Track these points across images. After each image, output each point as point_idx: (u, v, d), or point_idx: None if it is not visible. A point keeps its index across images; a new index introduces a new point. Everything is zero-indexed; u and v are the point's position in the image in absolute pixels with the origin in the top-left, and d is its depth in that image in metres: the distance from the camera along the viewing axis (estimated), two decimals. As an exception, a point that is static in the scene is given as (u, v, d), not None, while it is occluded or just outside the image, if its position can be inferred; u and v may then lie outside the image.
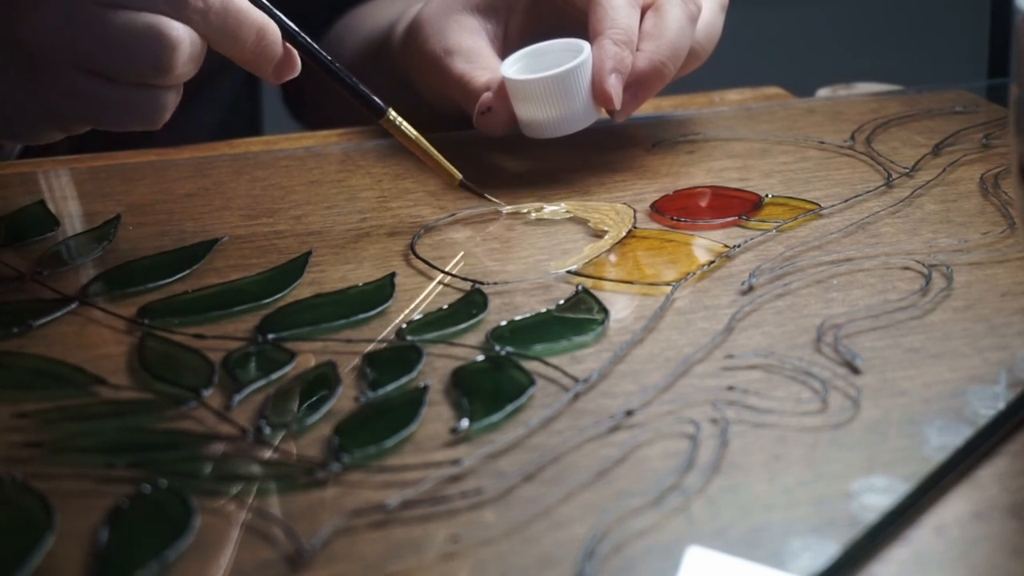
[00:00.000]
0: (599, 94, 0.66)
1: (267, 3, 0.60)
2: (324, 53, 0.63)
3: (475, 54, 0.71)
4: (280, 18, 0.61)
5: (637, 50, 0.67)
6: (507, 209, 0.65)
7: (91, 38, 0.56)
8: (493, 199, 0.65)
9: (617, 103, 0.66)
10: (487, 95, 0.68)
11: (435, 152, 0.65)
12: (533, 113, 0.67)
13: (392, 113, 0.64)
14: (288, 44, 0.61)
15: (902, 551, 0.40)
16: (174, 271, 0.59)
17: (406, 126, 0.65)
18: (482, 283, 0.57)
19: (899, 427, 0.46)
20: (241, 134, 0.81)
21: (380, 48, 0.81)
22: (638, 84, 0.67)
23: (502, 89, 0.68)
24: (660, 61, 0.67)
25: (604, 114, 0.69)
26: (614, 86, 0.66)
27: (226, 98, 0.97)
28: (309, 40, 0.63)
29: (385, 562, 0.40)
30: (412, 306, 0.56)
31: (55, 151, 0.77)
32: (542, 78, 0.66)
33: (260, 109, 1.03)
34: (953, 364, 0.50)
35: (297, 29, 0.62)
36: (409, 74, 0.76)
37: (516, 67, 0.68)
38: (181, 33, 0.56)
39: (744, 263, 0.59)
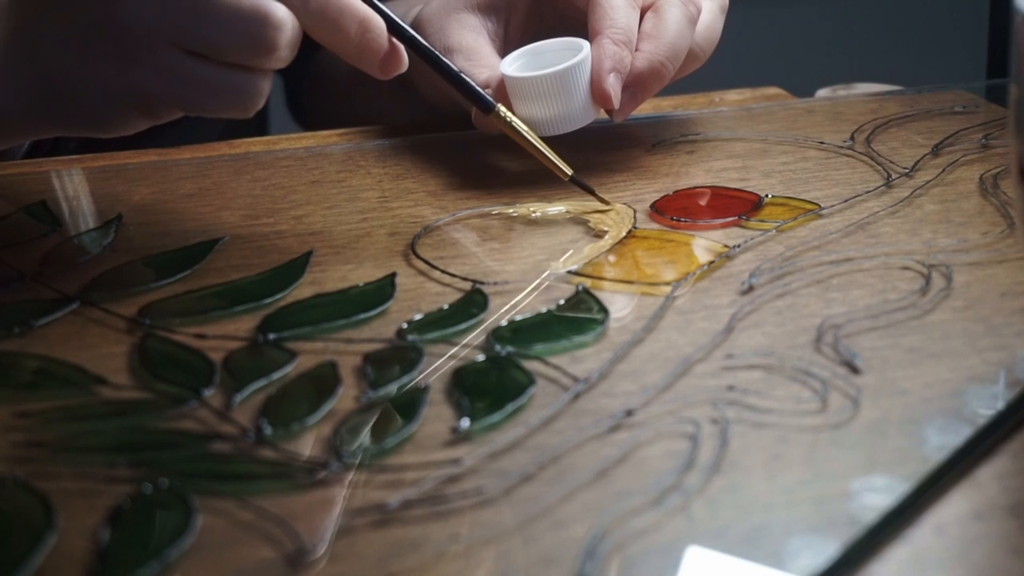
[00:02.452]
0: (598, 93, 0.67)
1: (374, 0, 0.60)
2: (431, 47, 0.64)
3: (475, 52, 0.71)
4: (385, 11, 0.61)
5: (636, 50, 0.68)
6: (613, 219, 0.64)
7: (194, 15, 0.55)
8: (603, 197, 0.65)
9: (616, 103, 0.67)
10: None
11: (545, 147, 0.65)
12: (531, 111, 0.67)
13: (502, 108, 0.65)
14: (393, 39, 0.61)
15: (902, 551, 0.40)
16: (174, 271, 0.59)
17: (516, 121, 0.65)
18: (482, 283, 0.58)
19: (899, 427, 0.46)
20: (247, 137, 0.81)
21: None
22: (637, 84, 0.67)
23: (501, 87, 0.68)
24: (659, 62, 0.67)
25: (603, 114, 0.69)
26: (613, 86, 0.66)
27: None
28: (415, 34, 0.63)
29: (385, 562, 0.40)
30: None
31: (59, 152, 0.77)
32: (541, 76, 0.66)
33: (267, 114, 1.04)
34: (953, 364, 0.50)
35: (402, 23, 0.62)
36: (410, 73, 0.76)
37: (516, 65, 0.68)
38: (284, 15, 0.56)
39: (744, 263, 0.59)
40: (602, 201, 0.65)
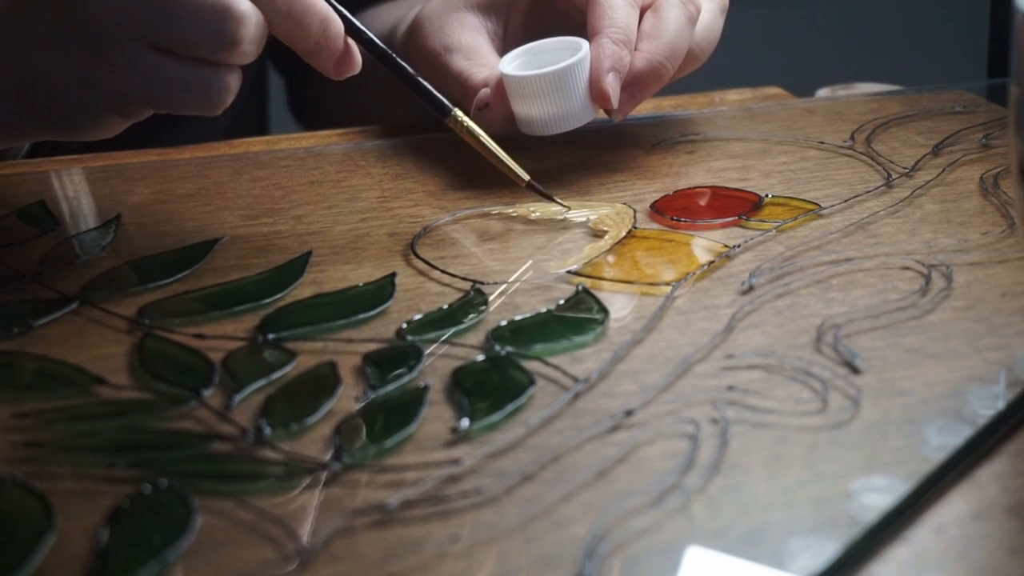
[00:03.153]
0: (596, 92, 0.67)
1: (332, 1, 0.60)
2: (387, 49, 0.64)
3: (474, 51, 0.71)
4: (343, 13, 0.61)
5: (635, 50, 0.68)
6: (571, 213, 0.64)
7: (158, 11, 0.56)
8: (560, 201, 0.64)
9: (614, 102, 0.67)
10: (485, 91, 0.69)
11: (502, 152, 0.65)
12: (530, 110, 0.67)
13: (458, 112, 0.65)
14: (349, 40, 0.61)
15: (902, 551, 0.40)
16: (174, 271, 0.59)
17: (472, 125, 0.65)
18: (482, 283, 0.57)
19: (899, 427, 0.46)
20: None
21: None
22: (636, 84, 0.67)
23: (500, 85, 0.68)
24: (658, 61, 0.67)
25: (602, 113, 0.69)
26: (612, 85, 0.66)
27: (235, 103, 0.97)
28: (373, 36, 0.63)
29: (385, 562, 0.40)
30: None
31: (60, 151, 0.77)
32: (539, 75, 0.66)
33: (267, 114, 1.04)
34: (953, 364, 0.50)
35: (360, 25, 0.62)
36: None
37: (515, 64, 0.68)
38: (247, 9, 0.56)
39: (744, 263, 0.59)
40: (562, 205, 0.64)
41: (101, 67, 0.57)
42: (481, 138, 0.65)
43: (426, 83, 0.65)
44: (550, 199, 0.64)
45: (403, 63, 0.64)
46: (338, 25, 0.60)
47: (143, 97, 0.58)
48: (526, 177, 0.65)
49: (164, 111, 0.59)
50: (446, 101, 0.65)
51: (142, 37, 0.56)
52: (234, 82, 0.58)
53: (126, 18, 0.56)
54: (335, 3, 0.61)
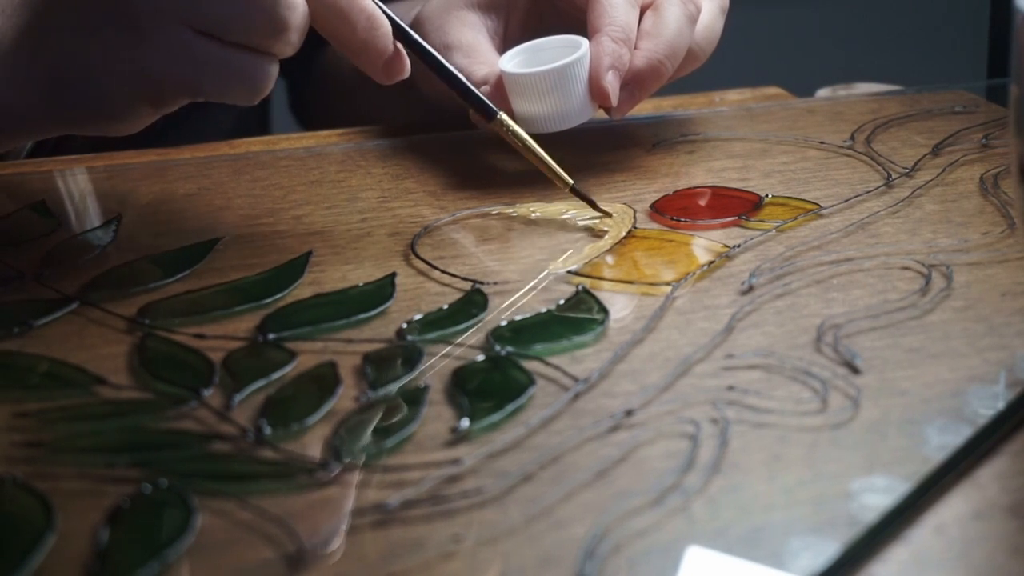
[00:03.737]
0: (596, 91, 0.67)
1: (378, 2, 0.60)
2: (436, 54, 0.64)
3: (474, 49, 0.71)
4: (393, 17, 0.61)
5: (635, 48, 0.68)
6: (613, 219, 0.63)
7: None
8: (603, 208, 0.64)
9: (614, 100, 0.67)
10: (484, 89, 0.69)
11: (546, 156, 0.64)
12: (529, 108, 0.67)
13: (503, 116, 0.64)
14: (398, 43, 0.61)
15: (902, 551, 0.40)
16: (174, 271, 0.59)
17: (517, 129, 0.65)
18: (482, 283, 0.57)
19: (899, 427, 0.46)
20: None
21: None
22: (635, 82, 0.67)
23: (499, 83, 0.68)
24: (658, 60, 0.67)
25: (601, 112, 0.69)
26: (611, 83, 0.66)
27: (236, 107, 0.97)
28: (420, 39, 0.63)
29: (385, 562, 0.40)
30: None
31: (62, 151, 0.77)
32: (539, 72, 0.66)
33: (269, 115, 1.04)
34: (953, 364, 0.50)
35: (408, 28, 0.62)
36: (412, 73, 0.76)
37: (514, 62, 0.68)
38: None
39: (744, 263, 0.59)
40: (603, 212, 0.64)
41: (139, 51, 0.56)
42: (526, 142, 0.65)
43: (473, 87, 0.65)
44: (593, 205, 0.64)
45: (451, 67, 0.64)
46: (386, 25, 0.60)
47: (184, 82, 0.57)
48: (570, 181, 0.64)
49: (203, 98, 0.58)
50: (491, 104, 0.65)
51: (187, 20, 0.56)
52: (274, 72, 0.58)
53: (172, 1, 0.55)
54: (382, 5, 0.60)
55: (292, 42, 0.57)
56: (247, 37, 0.56)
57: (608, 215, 0.64)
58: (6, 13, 0.59)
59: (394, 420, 0.47)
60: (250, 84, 0.57)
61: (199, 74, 0.57)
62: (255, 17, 0.55)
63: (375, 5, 0.60)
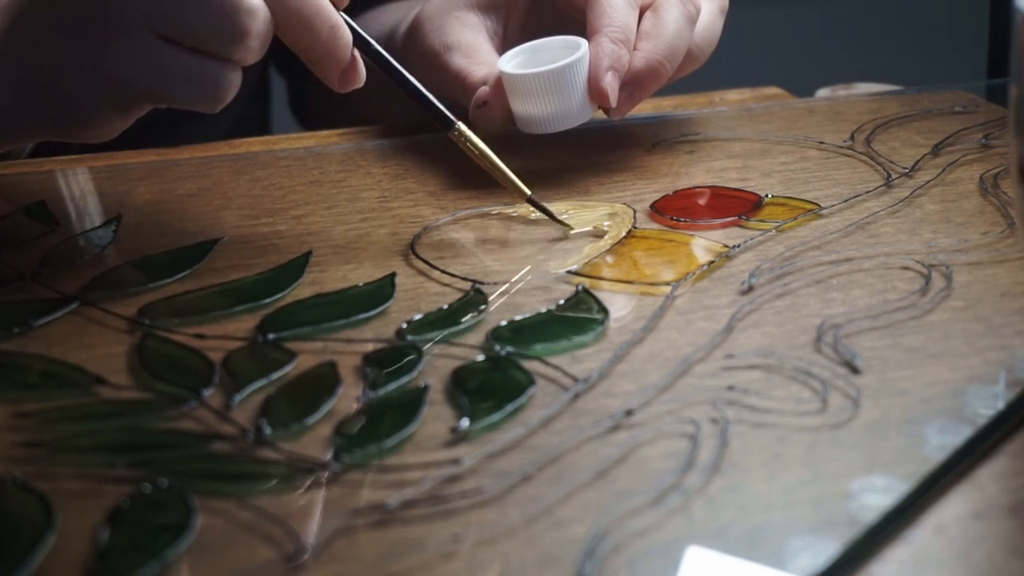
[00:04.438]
0: (595, 91, 0.67)
1: (341, 12, 0.60)
2: (393, 61, 0.63)
3: (474, 50, 0.71)
4: (351, 24, 0.61)
5: (634, 49, 0.68)
6: (574, 232, 0.62)
7: (173, 2, 0.55)
8: (562, 221, 0.63)
9: (613, 101, 0.67)
10: (483, 89, 0.69)
11: (503, 167, 0.64)
12: (528, 108, 0.67)
13: (461, 126, 0.64)
14: (355, 52, 0.61)
15: (902, 551, 0.40)
16: (174, 271, 0.59)
17: (475, 140, 0.64)
18: (482, 283, 0.57)
19: (899, 427, 0.46)
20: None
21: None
22: (634, 83, 0.67)
23: (499, 84, 0.68)
24: (657, 61, 0.67)
25: (601, 113, 0.69)
26: (610, 84, 0.66)
27: (237, 104, 0.96)
28: (380, 48, 0.62)
29: (385, 562, 0.40)
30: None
31: (62, 151, 0.77)
32: (538, 73, 0.66)
33: (269, 115, 1.04)
34: (953, 364, 0.50)
35: (367, 36, 0.62)
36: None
37: (514, 63, 0.69)
38: (257, 4, 0.56)
39: (744, 263, 0.59)
40: (561, 224, 0.63)
41: (105, 55, 0.57)
42: (484, 152, 0.64)
43: (430, 95, 0.64)
44: (552, 217, 0.63)
45: (408, 75, 0.64)
46: (347, 34, 0.60)
47: (145, 86, 0.57)
48: (527, 192, 0.63)
49: (163, 104, 0.59)
50: (450, 114, 0.64)
51: (151, 25, 0.56)
52: (236, 80, 0.58)
53: (138, 5, 0.56)
54: (343, 14, 0.60)
55: (253, 49, 0.57)
56: (208, 43, 0.56)
57: (568, 228, 0.63)
58: None
59: (394, 420, 0.47)
60: (211, 91, 0.58)
61: (163, 80, 0.57)
62: (216, 22, 0.56)
63: (338, 15, 0.60)
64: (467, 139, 0.64)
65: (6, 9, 0.60)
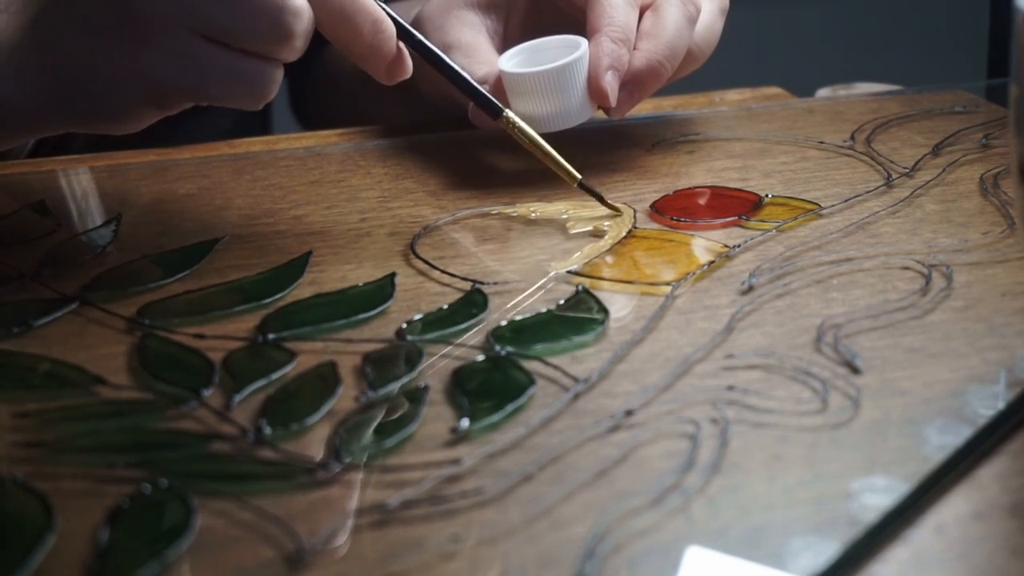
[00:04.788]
0: (595, 91, 0.67)
1: (380, 2, 0.60)
2: (439, 52, 0.64)
3: (474, 49, 0.71)
4: (396, 18, 0.61)
5: (634, 49, 0.68)
6: (622, 215, 0.63)
7: (219, 2, 0.55)
8: (612, 204, 0.64)
9: (613, 100, 0.67)
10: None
11: (554, 153, 0.64)
12: (528, 108, 0.67)
13: (509, 113, 0.64)
14: (401, 44, 0.61)
15: (902, 551, 0.40)
16: (174, 271, 0.59)
17: (523, 126, 0.64)
18: (482, 283, 0.57)
19: (899, 427, 0.46)
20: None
21: None
22: (634, 83, 0.67)
23: (498, 83, 0.68)
24: (657, 60, 0.67)
25: (600, 112, 0.69)
26: (610, 83, 0.66)
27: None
28: (423, 39, 0.63)
29: (385, 562, 0.40)
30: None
31: (63, 151, 0.77)
32: (538, 72, 0.66)
33: (269, 114, 1.04)
34: (953, 364, 0.50)
35: (412, 29, 0.62)
36: (412, 73, 0.76)
37: (514, 62, 0.69)
38: (302, 4, 0.56)
39: (744, 263, 0.59)
40: (611, 207, 0.64)
41: (145, 55, 0.56)
42: (533, 138, 0.65)
43: (477, 84, 0.65)
44: (602, 201, 0.64)
45: (455, 65, 0.64)
46: (391, 27, 0.60)
47: (189, 86, 0.57)
48: (578, 176, 0.64)
49: (207, 102, 0.58)
50: (497, 101, 0.65)
51: (192, 25, 0.56)
52: (279, 77, 0.58)
53: (178, 5, 0.55)
54: (385, 7, 0.60)
55: (297, 48, 0.58)
56: (252, 43, 0.56)
57: (617, 211, 0.64)
58: (10, 10, 0.59)
59: (394, 420, 0.47)
60: (254, 90, 0.58)
61: (204, 79, 0.57)
62: (261, 24, 0.56)
63: (379, 8, 0.60)
64: (516, 125, 0.65)
65: (29, 2, 0.59)
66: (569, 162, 0.65)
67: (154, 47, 0.56)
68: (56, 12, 0.58)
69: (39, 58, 0.58)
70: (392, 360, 0.51)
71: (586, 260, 0.59)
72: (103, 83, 0.58)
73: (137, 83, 0.57)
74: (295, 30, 0.56)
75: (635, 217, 0.64)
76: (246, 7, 0.55)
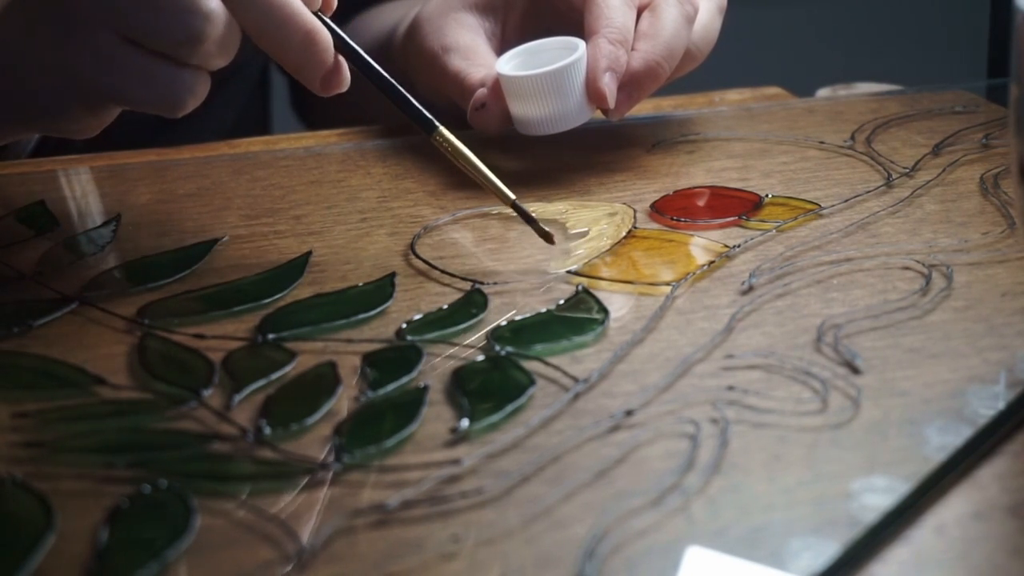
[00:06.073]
0: (593, 92, 0.67)
1: (320, 14, 0.59)
2: (376, 64, 0.62)
3: (472, 51, 0.71)
4: (331, 27, 0.59)
5: (632, 50, 0.68)
6: (557, 241, 0.61)
7: (131, 1, 0.55)
8: (544, 227, 0.60)
9: (611, 102, 0.67)
10: (481, 91, 0.69)
11: (487, 171, 0.61)
12: (526, 110, 0.67)
13: (443, 130, 0.62)
14: (339, 55, 0.60)
15: (902, 551, 0.40)
16: (174, 271, 0.59)
17: (457, 144, 0.62)
18: (482, 283, 0.57)
19: (899, 427, 0.46)
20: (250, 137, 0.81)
21: (383, 50, 0.81)
22: (632, 84, 0.67)
23: (496, 86, 0.68)
24: (655, 61, 0.67)
25: (599, 114, 0.69)
26: (608, 85, 0.66)
27: (238, 103, 0.97)
28: (360, 50, 0.61)
29: (385, 562, 0.40)
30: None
31: (63, 151, 0.77)
32: (536, 75, 0.66)
33: (269, 113, 1.04)
34: (953, 364, 0.50)
35: (348, 39, 0.60)
36: (408, 73, 0.76)
37: (511, 64, 0.68)
38: (214, 7, 0.55)
39: (744, 263, 0.59)
40: (544, 235, 0.60)
41: (67, 52, 0.56)
42: (467, 157, 0.61)
43: (412, 99, 0.62)
44: (534, 225, 0.61)
45: (389, 78, 0.62)
46: (326, 39, 0.58)
47: (105, 86, 0.57)
48: (512, 196, 0.61)
49: (125, 105, 0.58)
50: (431, 117, 0.62)
51: (114, 24, 0.56)
52: (199, 86, 0.57)
53: (102, 3, 0.55)
54: (324, 17, 0.59)
55: (211, 53, 0.57)
56: (161, 44, 0.56)
57: (550, 238, 0.60)
58: None
59: (394, 420, 0.47)
60: (168, 95, 0.57)
61: (119, 80, 0.56)
62: (169, 25, 0.55)
63: (315, 19, 0.58)
64: (449, 143, 0.62)
65: None
66: (569, 163, 0.65)
67: (76, 45, 0.56)
68: (10, 14, 0.59)
69: None
70: (392, 360, 0.51)
71: (586, 260, 0.59)
72: (37, 82, 0.58)
73: (60, 81, 0.57)
74: (204, 33, 0.55)
75: (635, 217, 0.64)
76: (155, 7, 0.55)
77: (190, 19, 0.55)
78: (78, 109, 0.59)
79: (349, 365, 0.51)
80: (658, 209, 0.65)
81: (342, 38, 0.60)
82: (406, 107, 0.62)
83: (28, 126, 0.62)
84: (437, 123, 0.62)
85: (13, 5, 0.58)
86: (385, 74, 0.62)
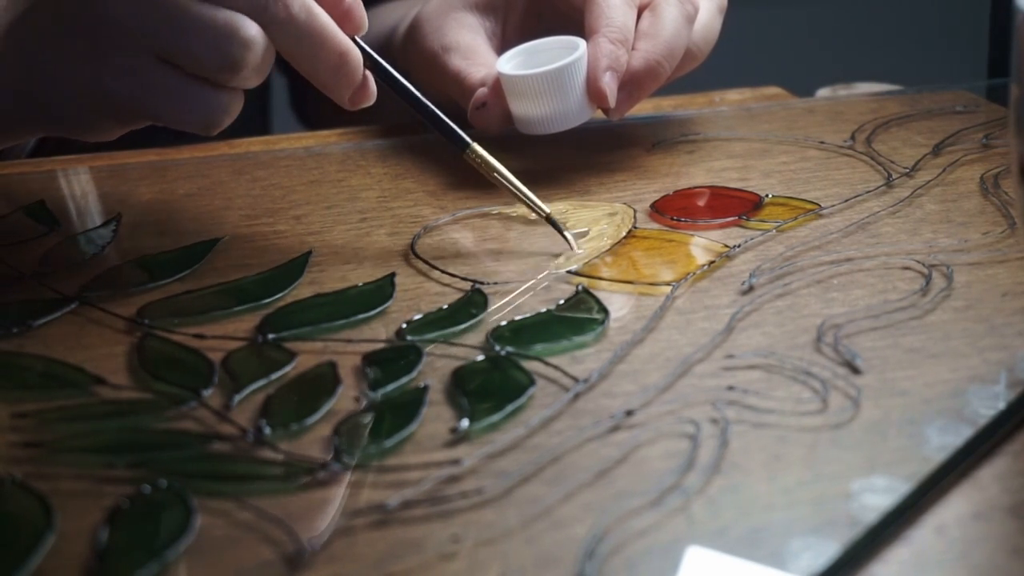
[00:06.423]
0: (593, 92, 0.67)
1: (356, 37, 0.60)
2: (406, 82, 0.62)
3: (472, 51, 0.71)
4: (364, 48, 0.60)
5: (633, 49, 0.68)
6: (579, 251, 0.60)
7: (168, 22, 0.55)
8: (571, 241, 0.61)
9: (611, 101, 0.67)
10: (482, 90, 0.69)
11: (521, 186, 0.62)
12: (527, 109, 0.67)
13: (476, 147, 0.62)
14: (367, 71, 0.60)
15: (902, 551, 0.40)
16: (174, 271, 0.59)
17: (490, 160, 0.62)
18: (482, 283, 0.57)
19: (899, 427, 0.46)
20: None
21: (384, 50, 0.81)
22: (633, 83, 0.67)
23: (497, 85, 0.68)
24: (656, 60, 0.67)
25: (599, 113, 0.69)
26: (609, 84, 0.66)
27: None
28: (392, 70, 0.62)
29: (385, 562, 0.40)
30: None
31: (63, 151, 0.77)
32: (536, 74, 0.66)
33: (269, 113, 1.04)
34: (953, 364, 0.50)
35: (380, 58, 0.61)
36: (409, 73, 0.76)
37: (512, 63, 0.69)
38: (255, 34, 0.56)
39: (744, 263, 0.59)
40: (571, 244, 0.61)
41: (105, 70, 0.57)
42: (500, 172, 0.62)
43: (444, 117, 0.63)
44: (563, 236, 0.61)
45: (421, 96, 0.63)
46: (356, 58, 0.59)
47: (141, 105, 0.57)
48: (547, 210, 0.61)
49: (160, 123, 0.58)
50: (463, 134, 0.63)
51: (150, 46, 0.56)
52: (234, 105, 0.58)
53: (137, 25, 0.56)
54: (358, 40, 0.60)
55: (249, 78, 0.57)
56: (202, 70, 0.56)
57: (579, 249, 0.60)
58: None
59: (394, 420, 0.47)
60: (204, 117, 0.57)
61: (154, 100, 0.57)
62: (210, 51, 0.55)
63: (348, 40, 0.59)
64: (482, 159, 0.62)
65: (5, 8, 0.60)
66: (569, 163, 0.65)
67: (109, 63, 0.57)
68: (29, 20, 0.59)
69: (13, 67, 0.59)
70: (392, 360, 0.51)
71: (586, 260, 0.59)
72: (64, 94, 0.58)
73: (92, 96, 0.58)
74: (244, 60, 0.56)
75: (635, 217, 0.64)
76: (198, 33, 0.55)
77: (231, 46, 0.55)
78: (109, 122, 0.59)
79: (349, 365, 0.51)
80: (658, 209, 0.65)
81: (374, 58, 0.61)
82: (438, 124, 0.63)
83: (53, 130, 0.62)
84: (469, 140, 0.63)
85: (39, 16, 0.58)
86: (415, 91, 0.63)
